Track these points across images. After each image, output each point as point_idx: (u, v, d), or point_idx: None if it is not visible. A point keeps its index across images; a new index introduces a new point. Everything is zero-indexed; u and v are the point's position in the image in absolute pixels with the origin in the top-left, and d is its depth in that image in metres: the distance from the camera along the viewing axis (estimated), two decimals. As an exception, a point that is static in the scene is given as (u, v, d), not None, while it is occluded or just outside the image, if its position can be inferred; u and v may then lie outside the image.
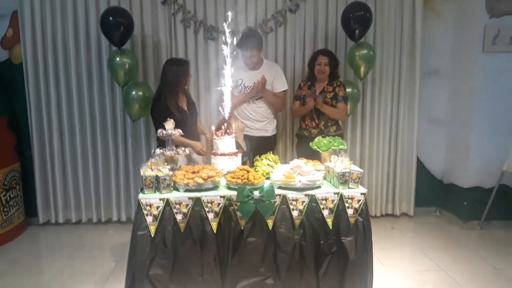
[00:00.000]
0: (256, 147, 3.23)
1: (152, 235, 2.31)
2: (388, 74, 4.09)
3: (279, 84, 3.55)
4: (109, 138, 4.01)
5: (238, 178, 2.38)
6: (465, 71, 4.00)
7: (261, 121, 3.55)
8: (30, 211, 4.07)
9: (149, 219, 2.32)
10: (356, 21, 3.56)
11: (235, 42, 3.04)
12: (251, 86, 3.47)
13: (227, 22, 2.81)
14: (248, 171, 2.44)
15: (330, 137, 2.90)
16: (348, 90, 3.60)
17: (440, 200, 4.36)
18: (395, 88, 4.12)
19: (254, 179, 2.38)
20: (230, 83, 2.78)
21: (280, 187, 2.42)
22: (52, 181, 4.03)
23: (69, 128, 3.96)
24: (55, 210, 4.08)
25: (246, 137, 3.50)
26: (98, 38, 3.80)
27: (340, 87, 3.46)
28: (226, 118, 2.80)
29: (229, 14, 2.85)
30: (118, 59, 3.50)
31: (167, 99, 3.02)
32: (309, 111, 3.49)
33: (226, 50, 2.75)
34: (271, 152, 2.84)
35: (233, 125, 2.80)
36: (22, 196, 4.00)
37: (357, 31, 3.54)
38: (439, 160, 4.33)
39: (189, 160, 3.14)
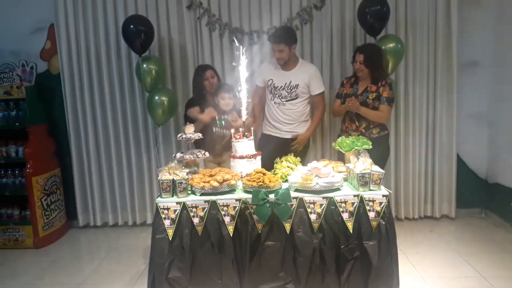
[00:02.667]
0: (284, 150, 3.12)
1: (170, 239, 2.34)
2: (422, 67, 3.88)
3: (315, 86, 3.41)
4: (141, 142, 4.12)
5: (254, 181, 2.34)
6: (507, 61, 3.70)
7: (290, 123, 3.45)
8: (71, 214, 4.28)
9: (166, 222, 2.34)
10: (372, 16, 3.40)
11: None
12: (281, 87, 3.39)
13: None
14: (264, 174, 2.40)
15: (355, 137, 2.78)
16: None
17: (486, 201, 4.07)
18: (430, 82, 3.90)
19: (269, 182, 2.33)
20: (245, 84, 2.74)
21: (297, 190, 2.36)
22: (90, 186, 4.21)
23: (103, 133, 4.12)
24: (93, 213, 4.25)
25: (273, 138, 3.47)
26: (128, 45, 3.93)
27: (385, 87, 3.16)
28: (244, 120, 2.77)
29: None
30: (145, 65, 3.59)
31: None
32: (348, 111, 3.30)
33: (240, 49, 2.72)
34: (291, 154, 2.77)
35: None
36: (63, 200, 4.21)
37: (375, 26, 3.38)
38: (482, 157, 4.04)
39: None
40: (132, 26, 3.53)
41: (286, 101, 3.40)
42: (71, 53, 4.00)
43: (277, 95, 3.41)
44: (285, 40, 3.27)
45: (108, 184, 4.20)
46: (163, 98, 3.63)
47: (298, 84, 3.34)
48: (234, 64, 2.78)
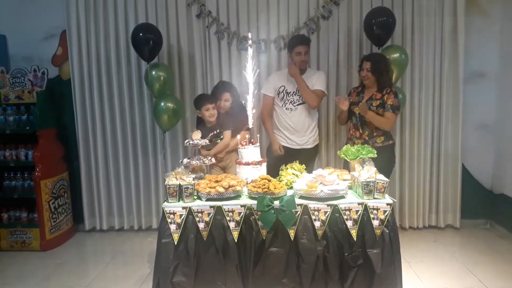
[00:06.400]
0: (291, 160, 3.13)
1: (176, 243, 2.36)
2: (428, 78, 3.91)
3: (319, 83, 3.46)
4: (148, 148, 4.18)
5: (259, 187, 2.37)
6: (513, 72, 3.73)
7: (300, 130, 3.48)
8: (77, 218, 4.33)
9: (172, 227, 2.37)
10: (379, 27, 3.45)
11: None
12: (293, 92, 3.45)
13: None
14: (269, 180, 2.43)
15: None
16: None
17: (491, 212, 4.06)
18: (436, 93, 3.93)
19: (274, 188, 2.36)
20: (253, 91, 2.79)
21: (301, 197, 2.38)
22: (97, 190, 4.26)
23: (112, 139, 4.18)
24: (100, 217, 4.30)
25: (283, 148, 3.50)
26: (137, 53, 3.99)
27: (389, 95, 3.18)
28: (250, 127, 2.81)
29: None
30: (153, 72, 3.66)
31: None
32: (350, 118, 3.37)
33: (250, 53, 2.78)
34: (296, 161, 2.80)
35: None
36: (70, 203, 4.26)
37: (380, 36, 3.43)
38: (488, 168, 4.05)
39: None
40: (141, 34, 3.63)
41: (298, 105, 3.45)
42: (81, 59, 4.08)
43: (289, 101, 3.47)
44: (309, 42, 3.45)
45: (115, 188, 4.24)
46: (169, 105, 3.69)
47: (308, 86, 3.40)
48: (245, 73, 2.79)
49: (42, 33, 4.13)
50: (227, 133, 3.24)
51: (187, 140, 2.79)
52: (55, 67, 4.19)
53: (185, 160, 2.73)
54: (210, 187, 2.41)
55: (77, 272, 3.44)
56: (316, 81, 3.45)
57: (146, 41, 3.61)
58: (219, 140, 3.26)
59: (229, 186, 2.40)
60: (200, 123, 3.35)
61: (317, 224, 2.32)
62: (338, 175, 2.58)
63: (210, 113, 3.23)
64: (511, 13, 3.74)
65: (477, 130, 4.01)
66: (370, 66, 3.21)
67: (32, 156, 3.84)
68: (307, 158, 3.34)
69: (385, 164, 3.01)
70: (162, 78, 3.69)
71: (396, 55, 3.52)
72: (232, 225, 2.34)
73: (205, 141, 2.79)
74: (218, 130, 3.23)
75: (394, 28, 3.55)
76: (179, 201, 2.43)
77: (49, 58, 4.16)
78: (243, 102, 3.14)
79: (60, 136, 4.17)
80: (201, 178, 2.68)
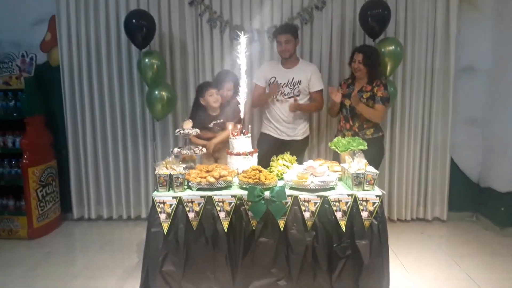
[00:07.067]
0: (282, 151, 3.12)
1: (165, 233, 2.36)
2: (420, 71, 3.92)
3: (316, 84, 3.48)
4: (138, 137, 4.13)
5: (250, 178, 2.37)
6: (503, 68, 3.75)
7: (291, 122, 3.48)
8: (66, 206, 4.28)
9: (162, 216, 2.36)
10: (374, 19, 3.45)
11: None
12: (284, 84, 3.44)
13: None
14: (260, 171, 2.43)
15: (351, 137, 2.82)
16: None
17: (477, 205, 4.12)
18: (427, 86, 3.95)
19: (265, 179, 2.36)
20: (246, 82, 2.77)
21: (292, 188, 2.39)
22: (86, 179, 4.22)
23: (101, 127, 4.12)
24: (88, 206, 4.26)
25: (272, 138, 3.49)
26: (128, 39, 3.92)
27: (379, 87, 3.23)
28: (242, 117, 2.80)
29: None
30: (146, 60, 3.61)
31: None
32: (340, 110, 3.38)
33: (243, 43, 2.74)
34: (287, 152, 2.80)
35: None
36: (59, 192, 4.21)
37: (375, 29, 3.43)
38: (475, 162, 4.09)
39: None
40: (134, 21, 3.56)
41: (289, 97, 3.45)
42: (71, 45, 4.00)
43: (279, 93, 3.45)
44: (292, 31, 3.40)
45: (104, 177, 4.20)
46: (163, 93, 3.65)
47: (300, 80, 3.40)
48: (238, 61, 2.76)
49: (31, 18, 4.03)
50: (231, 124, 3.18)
51: (177, 130, 2.77)
52: (44, 53, 4.11)
53: (176, 150, 2.72)
54: (201, 177, 2.41)
55: (65, 261, 3.41)
56: (312, 80, 3.46)
57: (140, 28, 3.55)
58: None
59: (220, 176, 2.40)
60: (198, 112, 3.26)
61: (306, 215, 2.33)
62: (328, 167, 2.59)
63: (214, 98, 3.17)
64: (503, 8, 3.76)
65: (467, 124, 4.05)
66: (362, 58, 3.23)
67: (20, 143, 3.77)
68: (297, 149, 3.34)
69: (374, 156, 3.03)
70: (155, 66, 3.64)
71: (391, 47, 3.53)
72: (222, 215, 2.35)
73: (196, 131, 2.77)
74: (221, 120, 3.18)
75: (389, 21, 3.55)
76: (169, 190, 2.43)
77: (38, 44, 4.07)
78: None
79: (49, 123, 4.10)
80: (191, 168, 2.67)
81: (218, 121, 3.15)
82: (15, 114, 3.78)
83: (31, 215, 3.80)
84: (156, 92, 3.64)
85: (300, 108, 3.43)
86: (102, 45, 3.98)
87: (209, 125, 3.15)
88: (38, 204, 3.87)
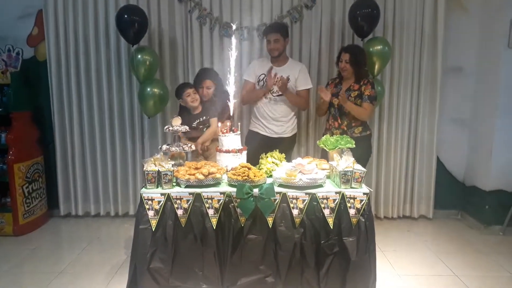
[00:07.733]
0: (270, 148, 3.07)
1: (153, 229, 2.35)
2: (407, 71, 3.97)
3: (303, 82, 3.49)
4: (126, 134, 4.10)
5: (239, 175, 2.38)
6: (489, 68, 3.82)
7: (278, 120, 3.49)
8: (52, 203, 4.24)
9: (150, 213, 2.36)
10: (363, 18, 3.48)
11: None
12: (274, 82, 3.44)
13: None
14: (249, 168, 2.44)
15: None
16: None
17: (462, 203, 4.19)
18: (414, 86, 4.00)
19: (254, 176, 2.37)
20: (233, 79, 2.77)
21: (281, 185, 2.40)
22: (73, 175, 4.18)
23: (89, 123, 4.09)
24: (75, 203, 4.22)
25: (260, 136, 3.50)
26: (117, 35, 3.86)
27: (367, 86, 3.26)
28: (231, 114, 2.80)
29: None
30: (139, 56, 3.57)
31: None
32: (328, 109, 3.41)
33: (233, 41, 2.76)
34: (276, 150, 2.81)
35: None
36: (45, 188, 4.16)
37: (364, 28, 3.45)
38: (461, 161, 4.16)
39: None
40: (126, 16, 3.52)
41: (278, 95, 3.45)
42: (58, 40, 3.95)
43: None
44: (281, 30, 3.41)
45: (91, 173, 4.17)
46: (155, 90, 3.63)
47: (289, 78, 3.40)
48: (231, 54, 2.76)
49: (18, 11, 3.97)
50: (214, 120, 3.21)
51: (166, 126, 2.76)
52: (31, 47, 4.05)
53: (164, 147, 2.71)
54: (190, 174, 2.40)
55: (51, 257, 3.37)
56: (299, 80, 3.47)
57: (132, 24, 3.51)
58: (205, 129, 3.23)
59: (209, 173, 2.40)
60: (183, 112, 3.29)
61: (295, 212, 2.35)
62: (317, 164, 2.62)
63: (191, 97, 3.20)
64: (491, 9, 3.82)
65: (453, 123, 4.11)
66: (349, 58, 3.26)
67: (6, 138, 3.72)
68: (285, 147, 3.34)
69: (362, 154, 3.06)
70: (147, 62, 3.60)
71: (379, 47, 3.55)
72: (211, 212, 2.35)
73: (185, 128, 2.77)
74: (204, 118, 3.20)
75: (378, 20, 3.58)
76: (157, 187, 2.41)
77: (24, 38, 4.02)
78: (227, 89, 3.13)
79: (36, 118, 4.05)
80: (180, 165, 2.67)
81: (201, 119, 3.16)
82: (1, 109, 3.74)
83: (16, 212, 3.75)
84: (149, 89, 3.61)
85: (285, 89, 3.35)
86: (90, 40, 3.94)
87: (193, 124, 3.17)
88: (24, 200, 3.82)
